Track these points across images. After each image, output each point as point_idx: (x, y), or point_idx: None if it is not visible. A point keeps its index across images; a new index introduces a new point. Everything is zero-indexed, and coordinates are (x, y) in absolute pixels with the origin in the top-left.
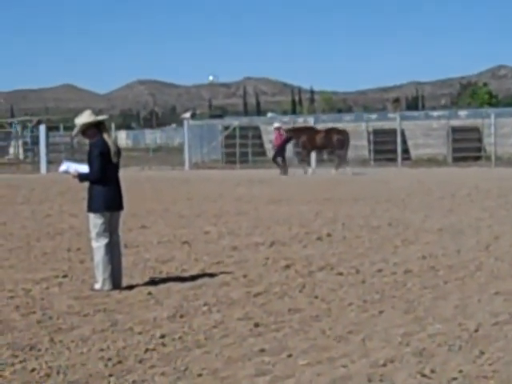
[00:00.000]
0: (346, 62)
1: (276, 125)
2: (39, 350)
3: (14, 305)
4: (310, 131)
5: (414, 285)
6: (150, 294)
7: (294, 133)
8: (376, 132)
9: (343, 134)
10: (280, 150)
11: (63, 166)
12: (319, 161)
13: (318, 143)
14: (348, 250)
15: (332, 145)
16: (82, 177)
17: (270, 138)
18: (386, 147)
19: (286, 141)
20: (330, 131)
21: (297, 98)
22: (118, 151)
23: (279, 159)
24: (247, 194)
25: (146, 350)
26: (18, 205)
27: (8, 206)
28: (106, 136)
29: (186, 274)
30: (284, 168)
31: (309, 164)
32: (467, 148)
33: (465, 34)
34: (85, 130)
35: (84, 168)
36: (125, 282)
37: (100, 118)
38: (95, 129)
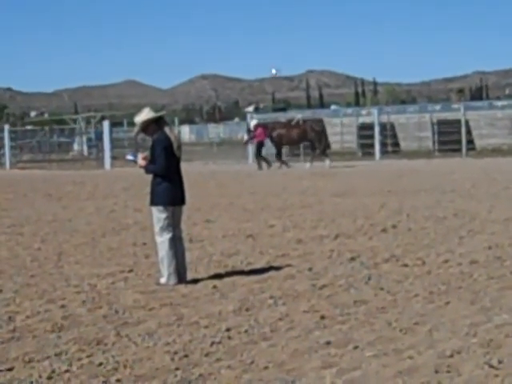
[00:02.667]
0: (410, 52)
1: (255, 122)
2: (106, 345)
3: (81, 300)
4: (285, 126)
5: (480, 275)
6: (215, 287)
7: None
8: (440, 123)
9: (318, 125)
10: (261, 146)
11: (130, 156)
12: (295, 155)
13: (293, 138)
14: (413, 241)
15: (308, 138)
16: (148, 169)
17: (333, 131)
18: (450, 138)
19: (269, 136)
20: (304, 124)
21: (360, 90)
22: (179, 145)
23: (260, 154)
24: (311, 186)
25: (212, 344)
26: (82, 201)
27: (73, 202)
28: (167, 130)
29: (251, 268)
30: (261, 163)
31: (311, 159)
32: None
33: None
34: (145, 127)
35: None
36: (190, 276)
37: (158, 113)
38: (155, 125)
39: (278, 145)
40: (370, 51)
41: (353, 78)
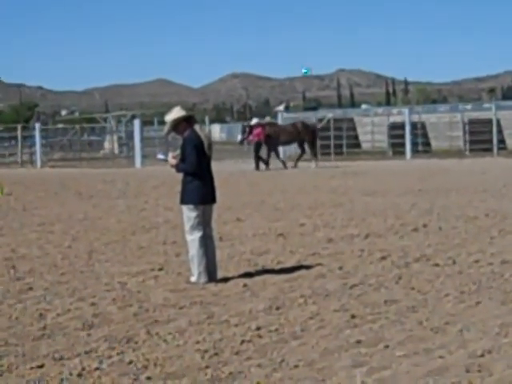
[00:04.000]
0: (441, 52)
1: (255, 121)
2: (136, 343)
3: (111, 298)
4: (275, 126)
5: None
6: (245, 286)
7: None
8: (471, 122)
9: (312, 126)
10: (260, 146)
11: (161, 155)
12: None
13: (286, 138)
14: (444, 240)
15: (301, 138)
16: (178, 167)
17: (364, 130)
18: (481, 137)
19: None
20: (295, 125)
21: (391, 90)
22: (210, 144)
23: (263, 154)
24: (342, 185)
25: (242, 342)
26: (113, 199)
27: (104, 201)
28: (197, 129)
29: (281, 266)
30: (259, 163)
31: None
32: None
33: None
34: (176, 126)
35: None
36: (220, 274)
37: (189, 112)
38: (186, 123)
39: (273, 145)
40: (401, 50)
41: (384, 78)
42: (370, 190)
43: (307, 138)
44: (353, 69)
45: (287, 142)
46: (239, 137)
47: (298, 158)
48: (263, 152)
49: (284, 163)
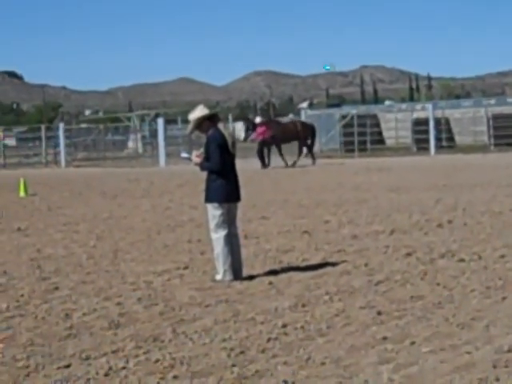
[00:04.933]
0: (464, 47)
1: (258, 119)
2: (162, 341)
3: (137, 297)
4: (279, 124)
5: None
6: (271, 283)
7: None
8: (495, 117)
9: (310, 124)
10: (264, 144)
11: (184, 153)
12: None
13: (286, 136)
14: (469, 236)
15: (300, 136)
16: (203, 166)
17: (388, 126)
18: (506, 132)
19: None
20: (295, 123)
21: (414, 85)
22: (234, 142)
23: (262, 153)
24: (366, 182)
25: (269, 340)
26: (138, 198)
27: (128, 200)
28: (221, 127)
29: (306, 264)
30: (264, 161)
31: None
32: None
33: None
34: (200, 125)
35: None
36: (246, 272)
37: (213, 110)
38: (209, 122)
39: (274, 143)
40: (424, 46)
41: (407, 73)
42: (395, 186)
43: (306, 136)
44: (376, 65)
45: (287, 140)
46: (242, 135)
47: (312, 155)
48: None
49: (265, 162)
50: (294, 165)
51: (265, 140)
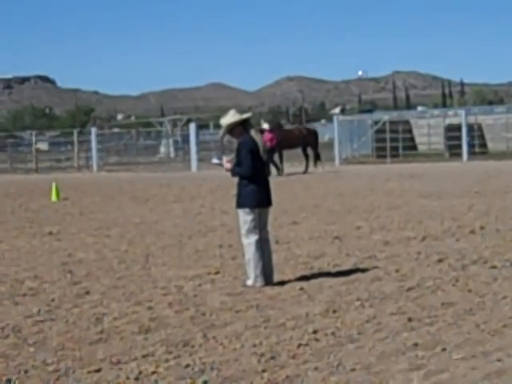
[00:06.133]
0: (497, 52)
1: (266, 125)
2: (193, 346)
3: (168, 302)
4: (283, 130)
5: None
6: (302, 289)
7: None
8: None
9: (313, 130)
10: (273, 151)
11: (216, 159)
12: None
13: (291, 142)
14: (502, 243)
15: (305, 143)
16: (234, 171)
17: (420, 132)
18: None
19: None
20: (300, 130)
21: (447, 91)
22: (265, 148)
23: (276, 160)
24: (398, 188)
25: (299, 346)
26: (169, 203)
27: (160, 205)
28: (253, 133)
29: (337, 269)
30: (279, 168)
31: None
32: None
33: None
34: (231, 130)
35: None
36: (276, 277)
37: (244, 116)
38: (241, 127)
39: (278, 149)
40: (457, 52)
41: (440, 79)
42: (427, 192)
43: (311, 142)
44: (409, 71)
45: (293, 146)
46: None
47: (315, 162)
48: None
49: (279, 168)
50: (305, 171)
51: (272, 147)
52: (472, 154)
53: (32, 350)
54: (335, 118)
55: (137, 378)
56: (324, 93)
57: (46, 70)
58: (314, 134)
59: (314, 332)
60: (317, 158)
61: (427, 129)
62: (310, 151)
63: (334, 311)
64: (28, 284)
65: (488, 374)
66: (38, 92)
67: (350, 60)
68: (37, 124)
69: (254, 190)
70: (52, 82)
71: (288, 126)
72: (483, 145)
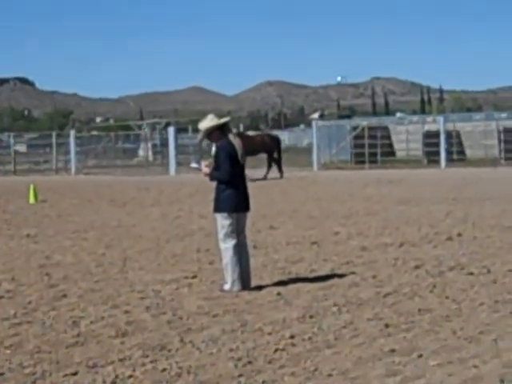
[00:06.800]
0: (476, 60)
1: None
2: (169, 350)
3: (145, 306)
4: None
5: None
6: (279, 294)
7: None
8: (507, 131)
9: (276, 138)
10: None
11: (194, 163)
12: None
13: (254, 148)
14: (479, 249)
15: (267, 149)
16: (212, 176)
17: (399, 138)
18: None
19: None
20: (262, 137)
21: (426, 98)
22: (243, 153)
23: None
24: (376, 194)
25: (276, 351)
26: (147, 207)
27: (138, 208)
28: (231, 137)
29: (315, 275)
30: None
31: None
32: None
33: None
34: (210, 134)
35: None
36: (254, 282)
37: (222, 120)
38: (219, 131)
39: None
40: (436, 59)
41: (419, 86)
42: (405, 198)
43: (273, 149)
44: (388, 77)
45: (255, 153)
46: (213, 148)
47: (267, 171)
48: None
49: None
50: (265, 178)
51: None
52: (450, 160)
53: (8, 352)
54: (314, 123)
55: (113, 382)
56: (303, 98)
57: (25, 72)
58: (276, 141)
59: (291, 337)
60: (278, 164)
61: (406, 135)
62: (270, 158)
63: (311, 316)
64: (5, 286)
65: (464, 380)
66: (16, 94)
67: (330, 65)
68: (15, 126)
69: (232, 194)
70: (31, 83)
71: (251, 133)
72: (461, 152)
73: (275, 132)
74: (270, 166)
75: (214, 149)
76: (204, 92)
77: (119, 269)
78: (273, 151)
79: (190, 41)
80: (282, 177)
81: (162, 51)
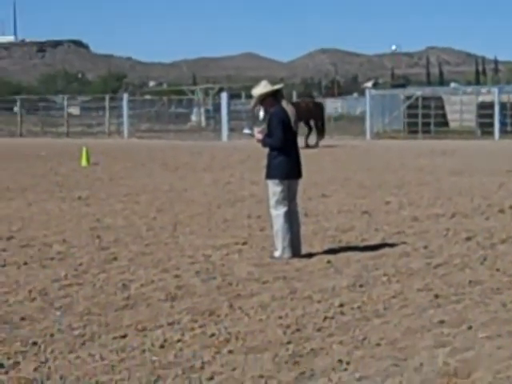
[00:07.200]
0: None
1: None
2: (218, 316)
3: (195, 270)
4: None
5: None
6: (329, 262)
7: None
8: None
9: (320, 104)
10: None
11: (247, 129)
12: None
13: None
14: None
15: (310, 116)
16: (264, 142)
17: (452, 109)
18: None
19: None
20: (306, 103)
21: (480, 69)
22: (296, 119)
23: None
24: (429, 164)
25: (325, 319)
26: (199, 172)
27: (190, 173)
28: (284, 104)
29: (365, 244)
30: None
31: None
32: None
33: None
34: (263, 100)
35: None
36: (304, 250)
37: (276, 87)
38: (272, 98)
39: None
40: (491, 29)
41: (474, 56)
42: (457, 169)
43: (318, 115)
44: (443, 47)
45: (300, 120)
46: (261, 114)
47: (307, 136)
48: None
49: None
50: (316, 145)
51: None
52: (504, 132)
53: (58, 313)
54: (367, 91)
55: (162, 346)
56: (357, 66)
57: (79, 35)
58: (320, 108)
59: (340, 305)
60: (320, 132)
61: (460, 106)
62: (313, 124)
63: (361, 285)
64: (56, 248)
65: None
66: (70, 56)
67: (384, 34)
68: (69, 88)
69: (284, 161)
70: (85, 46)
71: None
72: None
73: (329, 100)
74: (319, 133)
75: (261, 113)
76: (257, 58)
77: (170, 233)
78: (318, 118)
79: (244, 7)
80: (317, 145)
81: (216, 17)
